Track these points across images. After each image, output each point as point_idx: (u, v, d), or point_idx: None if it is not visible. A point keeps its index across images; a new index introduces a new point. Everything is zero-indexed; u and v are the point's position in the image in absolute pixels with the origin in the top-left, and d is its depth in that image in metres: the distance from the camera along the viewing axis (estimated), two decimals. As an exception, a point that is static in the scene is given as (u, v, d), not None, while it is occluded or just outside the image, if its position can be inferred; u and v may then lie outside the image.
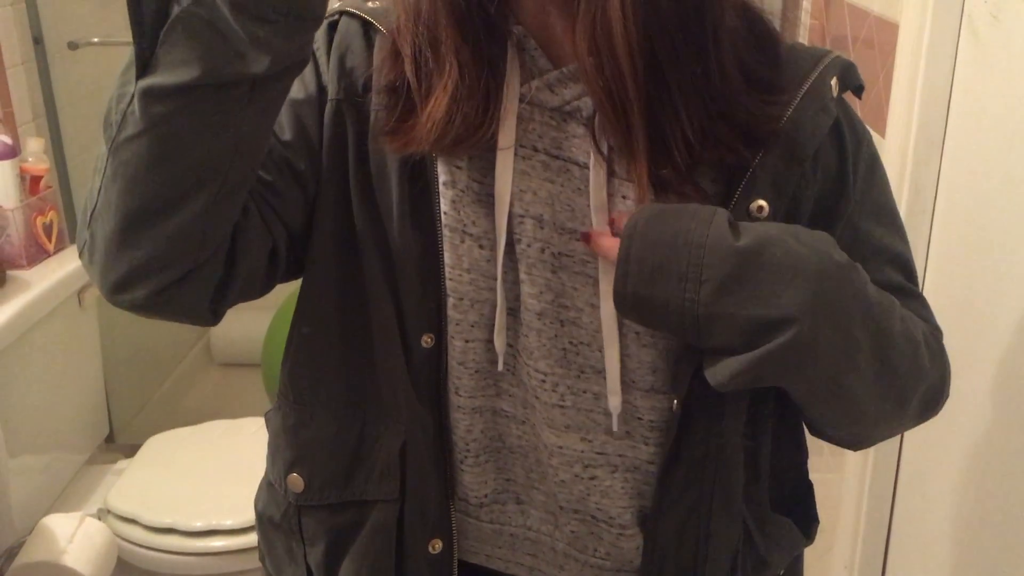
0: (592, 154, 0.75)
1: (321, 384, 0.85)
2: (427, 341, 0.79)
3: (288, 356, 0.87)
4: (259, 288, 0.79)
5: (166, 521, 1.76)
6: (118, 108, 0.65)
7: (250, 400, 2.57)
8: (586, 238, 0.75)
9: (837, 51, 0.79)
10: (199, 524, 1.75)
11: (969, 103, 1.31)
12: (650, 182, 0.72)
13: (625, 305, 0.72)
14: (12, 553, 1.63)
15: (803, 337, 0.67)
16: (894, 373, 0.75)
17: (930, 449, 1.41)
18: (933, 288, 1.37)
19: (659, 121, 0.71)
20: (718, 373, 0.71)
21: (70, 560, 1.56)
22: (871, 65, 1.58)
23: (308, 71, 0.79)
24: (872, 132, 0.84)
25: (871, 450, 1.53)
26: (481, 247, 0.77)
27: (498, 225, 0.76)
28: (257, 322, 2.44)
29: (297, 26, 0.63)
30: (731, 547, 0.81)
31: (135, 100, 0.63)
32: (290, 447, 0.87)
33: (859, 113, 0.83)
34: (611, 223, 0.75)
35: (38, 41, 2.09)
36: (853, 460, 1.58)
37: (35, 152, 1.90)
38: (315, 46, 0.80)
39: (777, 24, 0.78)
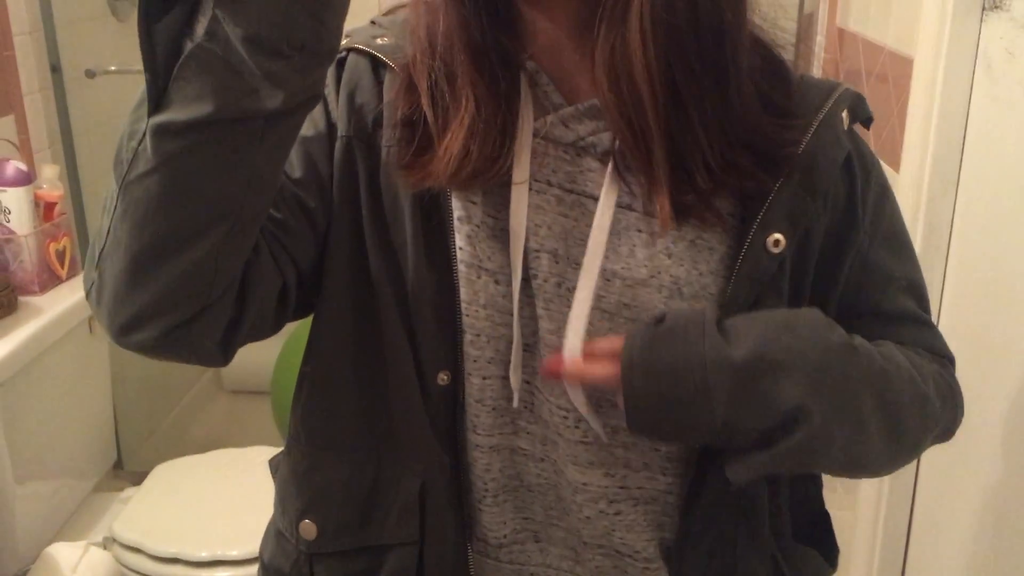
0: (604, 185, 0.74)
1: (335, 426, 0.83)
2: (443, 379, 0.78)
3: (299, 399, 0.86)
4: (269, 328, 0.78)
5: (171, 551, 1.75)
6: (129, 145, 0.64)
7: (259, 428, 2.57)
8: (549, 371, 0.74)
9: (849, 84, 0.80)
10: (204, 554, 1.74)
11: (984, 138, 1.31)
12: (672, 208, 0.72)
13: (643, 435, 0.74)
14: (16, 581, 1.62)
15: (816, 431, 0.70)
16: (904, 434, 0.76)
17: (944, 484, 1.38)
18: (949, 324, 1.36)
19: (680, 150, 0.72)
20: (739, 473, 0.72)
21: (73, 590, 1.55)
22: (885, 99, 1.58)
23: (317, 108, 0.79)
24: (886, 167, 0.85)
25: (885, 487, 1.51)
26: (497, 283, 0.77)
27: (513, 260, 0.76)
28: (267, 350, 2.42)
29: (311, 61, 0.63)
30: None
31: (147, 137, 0.63)
32: (302, 493, 0.85)
33: (873, 147, 0.83)
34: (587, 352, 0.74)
35: (55, 69, 2.11)
36: (866, 496, 1.56)
37: (50, 179, 1.91)
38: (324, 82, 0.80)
39: (790, 56, 0.79)
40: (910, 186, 1.41)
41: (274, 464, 0.92)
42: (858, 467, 0.77)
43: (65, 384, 1.84)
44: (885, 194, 0.82)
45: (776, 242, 0.74)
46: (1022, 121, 1.19)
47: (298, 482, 0.85)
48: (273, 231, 0.75)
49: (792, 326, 0.71)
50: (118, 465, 2.24)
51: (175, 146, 0.62)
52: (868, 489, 1.55)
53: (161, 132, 0.62)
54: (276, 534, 0.89)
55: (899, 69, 1.53)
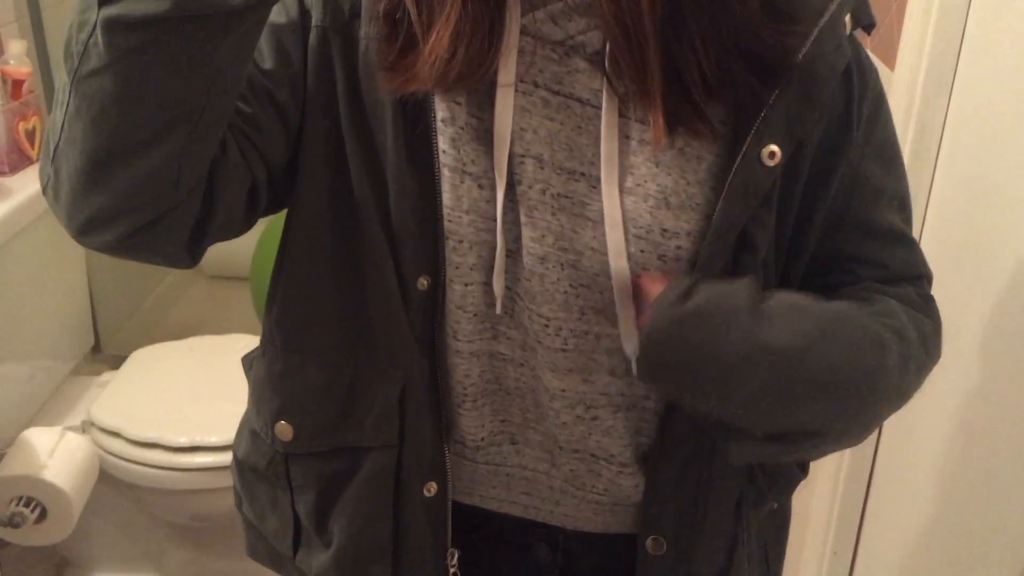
0: (604, 94, 0.71)
1: (311, 329, 0.82)
2: (423, 284, 0.76)
3: (274, 300, 0.83)
4: (238, 227, 0.76)
5: (150, 435, 1.76)
6: (79, 37, 0.60)
7: (239, 315, 2.56)
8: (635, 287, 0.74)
9: None
10: (183, 440, 1.75)
11: (983, 39, 1.27)
12: (663, 118, 0.69)
13: (647, 383, 0.77)
14: (-7, 464, 1.63)
15: (828, 446, 0.74)
16: (890, 396, 0.76)
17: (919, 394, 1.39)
18: (932, 230, 1.34)
19: (675, 55, 0.68)
20: (739, 457, 0.76)
21: (50, 475, 1.56)
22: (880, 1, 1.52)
23: None
24: (881, 65, 0.81)
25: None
26: (481, 187, 0.74)
27: (498, 165, 0.73)
28: (247, 235, 2.40)
29: None
30: (736, 487, 0.83)
31: (98, 30, 0.58)
32: (277, 395, 0.84)
33: (868, 45, 0.79)
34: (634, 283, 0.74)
35: (20, -62, 2.01)
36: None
37: (17, 55, 1.84)
38: None
39: None
40: (904, 85, 1.37)
41: (247, 362, 0.90)
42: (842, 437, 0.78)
43: (38, 267, 1.81)
44: (880, 105, 0.79)
45: (772, 154, 0.71)
46: (1022, 22, 1.15)
47: (273, 384, 0.84)
48: (241, 126, 0.72)
49: (832, 334, 0.71)
50: (96, 349, 2.23)
51: (129, 43, 0.58)
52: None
53: (113, 26, 0.57)
54: (251, 432, 0.89)
55: (900, -39, 1.47)
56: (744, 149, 0.71)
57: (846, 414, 0.73)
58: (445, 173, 0.74)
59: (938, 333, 0.82)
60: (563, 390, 0.78)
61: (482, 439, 0.82)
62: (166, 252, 0.70)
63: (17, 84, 1.82)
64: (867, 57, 0.78)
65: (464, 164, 0.73)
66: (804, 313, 0.71)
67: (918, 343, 0.77)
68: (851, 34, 0.74)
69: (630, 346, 0.75)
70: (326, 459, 0.84)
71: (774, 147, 0.71)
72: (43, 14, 2.08)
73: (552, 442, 0.82)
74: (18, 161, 1.82)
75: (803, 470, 0.89)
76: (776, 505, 0.89)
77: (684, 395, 0.73)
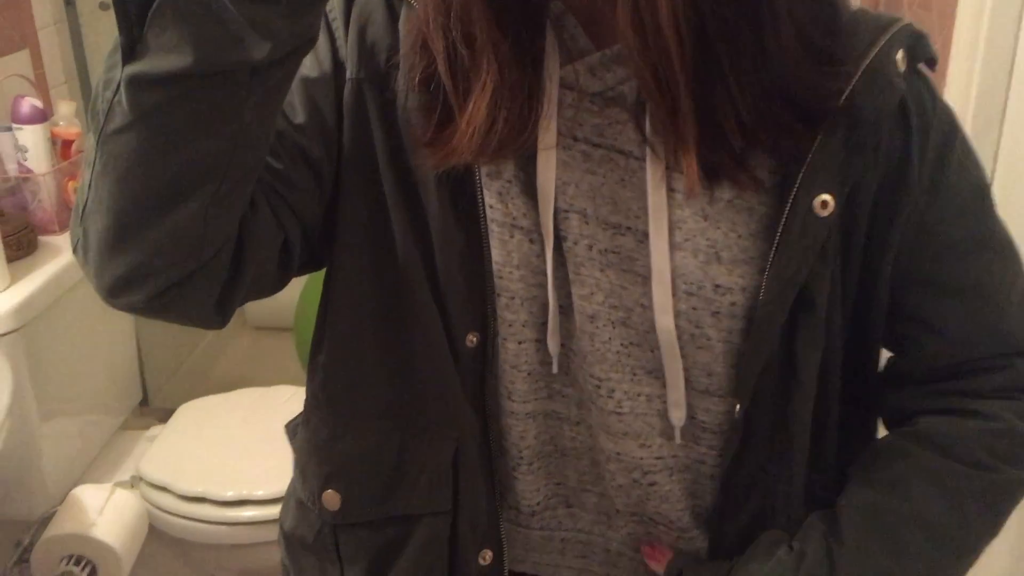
0: (648, 147, 0.68)
1: (358, 392, 0.79)
2: (472, 341, 0.73)
3: (317, 363, 0.81)
4: (271, 286, 0.74)
5: (197, 490, 1.76)
6: (104, 95, 0.59)
7: (283, 366, 2.57)
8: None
9: (910, 20, 0.70)
10: (230, 493, 1.75)
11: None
12: (701, 170, 0.66)
13: None
14: (45, 521, 1.64)
15: None
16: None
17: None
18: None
19: (710, 101, 0.64)
20: None
21: (100, 532, 1.56)
22: (928, 29, 1.51)
23: (322, 44, 0.73)
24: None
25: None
26: (532, 242, 0.71)
27: (544, 222, 0.70)
28: (291, 286, 2.41)
29: (301, 5, 0.57)
30: None
31: (122, 88, 0.57)
32: (324, 462, 0.81)
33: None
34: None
35: (69, 1, 2.06)
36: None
37: (66, 116, 1.88)
38: (331, 16, 0.74)
39: None
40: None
41: (291, 429, 0.87)
42: None
43: (88, 323, 1.83)
44: (950, 142, 0.71)
45: (824, 204, 0.67)
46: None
47: (319, 451, 0.81)
48: (272, 183, 0.70)
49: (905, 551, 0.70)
50: (144, 403, 2.25)
51: (152, 100, 0.57)
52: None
53: (136, 84, 0.56)
54: (297, 503, 0.85)
55: (944, -3, 1.45)
56: (792, 199, 0.67)
57: None
58: (493, 228, 0.71)
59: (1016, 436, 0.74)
60: (618, 453, 0.75)
61: (537, 503, 0.79)
62: (195, 312, 0.69)
63: (67, 144, 1.86)
64: (932, 93, 0.72)
65: (513, 218, 0.71)
66: (857, 554, 0.70)
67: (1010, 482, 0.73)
68: (910, 70, 0.69)
69: (677, 413, 0.73)
70: (376, 528, 0.80)
71: (826, 196, 0.67)
72: (91, 76, 2.13)
73: (609, 503, 0.79)
74: (67, 219, 1.85)
75: None
76: None
77: None
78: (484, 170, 0.71)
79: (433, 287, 0.73)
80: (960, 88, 1.34)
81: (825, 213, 0.67)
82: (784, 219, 0.67)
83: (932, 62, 0.72)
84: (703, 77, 0.63)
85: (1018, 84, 1.28)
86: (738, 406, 0.72)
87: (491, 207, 0.71)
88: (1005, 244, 0.75)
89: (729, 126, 0.65)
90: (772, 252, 0.68)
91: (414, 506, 0.78)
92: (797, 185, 0.67)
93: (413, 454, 0.78)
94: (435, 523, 0.78)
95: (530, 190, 0.71)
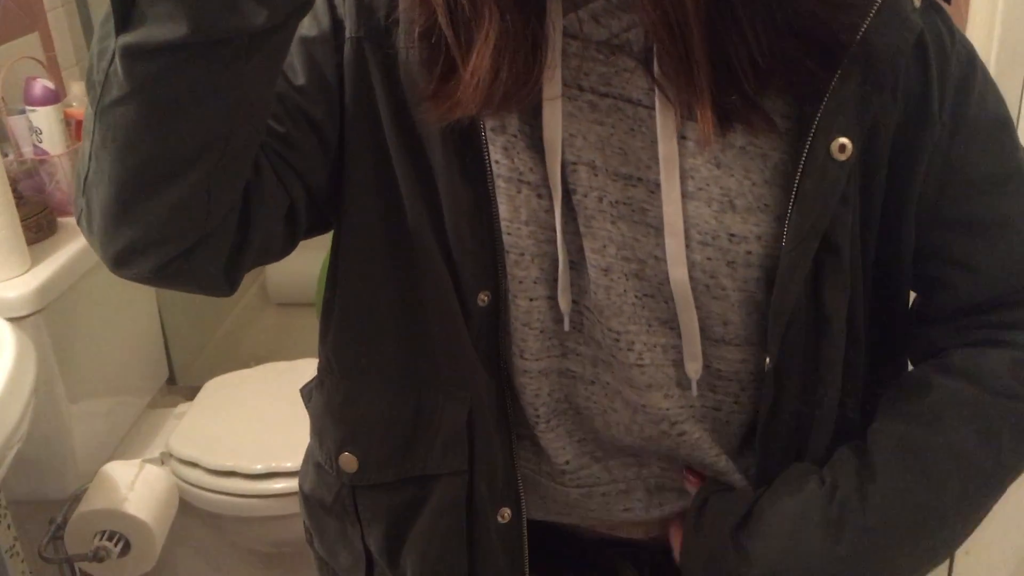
0: (657, 95, 0.66)
1: (370, 355, 0.78)
2: (483, 299, 0.72)
3: (328, 326, 0.80)
4: (278, 251, 0.73)
5: (227, 464, 1.77)
6: (99, 66, 0.58)
7: (307, 340, 2.56)
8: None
9: None
10: (259, 467, 1.76)
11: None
12: (714, 114, 0.64)
13: None
14: (76, 499, 1.65)
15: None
16: (989, 499, 0.72)
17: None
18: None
19: (722, 44, 0.63)
20: None
21: (131, 507, 1.58)
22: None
23: (320, 2, 0.71)
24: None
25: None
26: (540, 197, 0.70)
27: (551, 174, 0.69)
28: (311, 260, 2.41)
29: None
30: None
31: (116, 59, 0.56)
32: (339, 425, 0.81)
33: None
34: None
35: (76, -18, 2.06)
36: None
37: (79, 96, 1.88)
38: None
39: None
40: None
41: (306, 393, 0.87)
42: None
43: (111, 303, 1.84)
44: (970, 80, 0.70)
45: (842, 147, 0.65)
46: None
47: (334, 414, 0.81)
48: (275, 147, 0.69)
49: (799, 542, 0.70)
50: (171, 381, 2.26)
51: (148, 70, 0.55)
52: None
53: (131, 54, 0.55)
54: (315, 465, 0.86)
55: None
56: (809, 144, 0.65)
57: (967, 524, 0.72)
58: (500, 184, 0.70)
59: None
60: (644, 406, 0.74)
61: (566, 462, 0.78)
62: (203, 280, 0.68)
63: (78, 124, 1.86)
64: (950, 27, 0.70)
65: (520, 173, 0.70)
66: (889, 497, 0.70)
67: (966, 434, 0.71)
68: (926, 4, 0.67)
69: (693, 365, 0.72)
70: (394, 490, 0.80)
71: (843, 140, 0.65)
72: (102, 56, 2.12)
73: (639, 447, 0.78)
74: (86, 200, 1.85)
75: None
76: None
77: None
78: (489, 125, 0.70)
79: (442, 246, 0.72)
80: (984, 21, 1.30)
81: (843, 157, 0.65)
82: (802, 164, 0.66)
83: None
84: (715, 18, 0.62)
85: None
86: (768, 359, 0.70)
87: (497, 162, 0.70)
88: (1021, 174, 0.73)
89: (742, 68, 0.63)
90: (792, 200, 0.66)
91: (431, 466, 0.78)
92: (814, 129, 0.65)
93: (428, 415, 0.77)
94: (453, 483, 0.78)
95: (536, 143, 0.69)
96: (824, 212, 0.66)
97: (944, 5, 0.72)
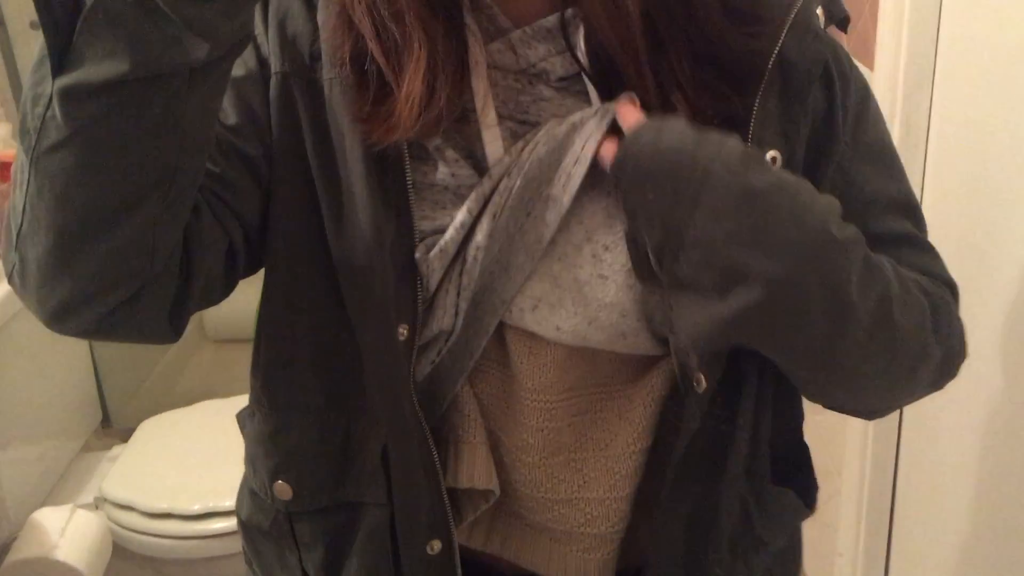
0: (597, 114, 0.68)
1: (296, 387, 0.78)
2: (402, 333, 0.72)
3: (258, 359, 0.80)
4: (220, 292, 0.73)
5: (163, 506, 1.74)
6: (34, 112, 0.57)
7: (246, 376, 2.54)
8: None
9: None
10: (197, 507, 1.73)
11: (959, 30, 1.26)
12: None
13: (625, 187, 0.66)
14: (5, 548, 1.61)
15: (786, 289, 0.62)
16: (901, 348, 0.68)
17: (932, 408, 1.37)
18: (929, 225, 1.33)
19: (654, 67, 0.66)
20: (693, 327, 0.65)
21: (62, 554, 1.54)
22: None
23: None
24: (860, 65, 0.79)
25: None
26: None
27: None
28: (249, 295, 2.39)
29: (237, 1, 0.55)
30: (729, 531, 0.77)
31: (54, 102, 0.55)
32: (271, 455, 0.80)
33: (845, 45, 0.77)
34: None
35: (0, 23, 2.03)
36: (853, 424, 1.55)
37: (3, 137, 1.86)
38: None
39: None
40: (885, 83, 1.36)
41: (241, 420, 0.87)
42: (835, 373, 0.68)
43: (40, 346, 1.80)
44: (866, 104, 0.75)
45: (773, 159, 0.68)
46: (998, 11, 1.14)
47: (266, 444, 0.81)
48: (212, 187, 0.69)
49: (810, 194, 0.64)
50: (105, 423, 2.22)
51: (89, 112, 0.55)
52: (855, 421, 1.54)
53: (70, 96, 0.54)
54: (251, 492, 0.85)
55: (870, -38, 1.47)
56: None
57: (804, 259, 0.62)
58: (423, 211, 0.71)
59: (951, 315, 0.74)
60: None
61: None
62: (148, 329, 0.67)
63: (4, 167, 1.83)
64: (845, 52, 0.75)
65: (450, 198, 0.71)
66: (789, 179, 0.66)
67: (920, 299, 0.70)
68: (826, 32, 0.72)
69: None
70: (330, 514, 0.80)
71: (773, 152, 0.68)
72: (27, 96, 2.10)
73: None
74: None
75: (807, 502, 0.82)
76: (780, 545, 0.83)
77: (658, 197, 0.63)
78: (415, 151, 0.71)
79: (362, 281, 0.73)
80: (889, 50, 1.35)
81: (775, 168, 0.68)
82: None
83: (844, 22, 0.74)
84: (650, 46, 0.66)
85: (945, 42, 1.30)
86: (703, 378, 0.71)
87: (424, 187, 0.71)
88: (916, 205, 0.78)
89: (671, 90, 0.66)
90: None
91: (358, 493, 0.78)
92: (748, 145, 0.67)
93: (356, 443, 0.77)
94: (376, 512, 0.78)
95: (471, 166, 0.71)
96: None
97: (842, 34, 0.76)
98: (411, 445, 0.75)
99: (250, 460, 0.85)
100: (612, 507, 0.77)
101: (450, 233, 0.70)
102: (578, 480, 0.77)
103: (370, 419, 0.77)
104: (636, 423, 0.75)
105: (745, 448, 0.75)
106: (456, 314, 0.73)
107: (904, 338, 0.68)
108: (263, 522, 0.84)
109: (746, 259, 0.62)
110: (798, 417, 0.83)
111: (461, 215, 0.70)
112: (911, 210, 0.77)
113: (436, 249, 0.71)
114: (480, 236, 0.70)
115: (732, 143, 0.64)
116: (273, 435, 0.80)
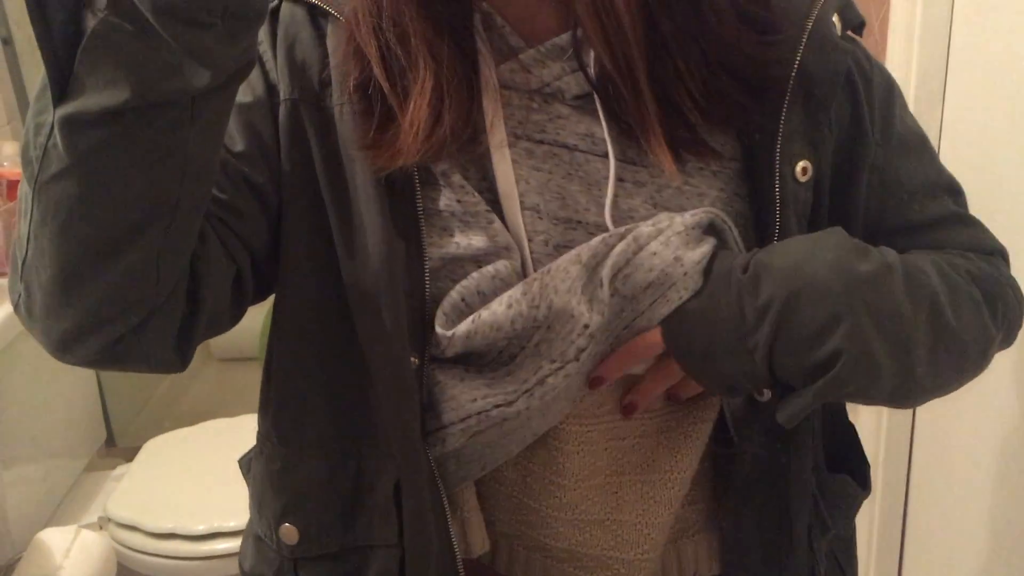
0: (607, 136, 0.68)
1: (307, 421, 0.75)
2: (414, 361, 0.70)
3: (268, 394, 0.78)
4: (227, 321, 0.71)
5: (167, 526, 1.72)
6: (36, 141, 0.56)
7: (251, 395, 2.53)
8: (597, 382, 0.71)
9: None
10: (201, 527, 1.72)
11: (970, 47, 1.25)
12: (667, 148, 0.67)
13: (693, 375, 0.70)
14: (9, 569, 1.60)
15: (856, 357, 0.65)
16: (958, 351, 0.70)
17: (940, 409, 1.35)
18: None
19: (662, 81, 0.66)
20: (788, 414, 0.68)
21: (67, 575, 1.52)
22: (865, 9, 1.52)
23: (253, 70, 0.70)
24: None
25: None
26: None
27: (512, 225, 0.69)
28: (254, 315, 2.38)
29: (239, 27, 0.53)
30: (803, 520, 0.77)
31: (55, 132, 0.54)
32: (279, 495, 0.77)
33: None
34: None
35: (7, 41, 2.04)
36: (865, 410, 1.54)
37: (10, 156, 1.85)
38: (257, 39, 0.71)
39: None
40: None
41: (245, 464, 0.85)
42: (917, 390, 0.69)
43: (46, 365, 1.79)
44: (891, 98, 0.76)
45: (804, 169, 0.69)
46: (1008, 28, 1.13)
47: (274, 483, 0.78)
48: (219, 214, 0.68)
49: (814, 253, 0.66)
50: (110, 442, 2.21)
51: (90, 140, 0.54)
52: (867, 423, 1.53)
53: (71, 125, 0.54)
54: (255, 540, 0.82)
55: (878, -23, 1.47)
56: (778, 172, 0.69)
57: (851, 320, 0.65)
58: (433, 237, 0.70)
59: (1003, 283, 0.75)
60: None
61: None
62: (154, 358, 0.66)
63: (13, 185, 1.83)
64: (867, 55, 0.75)
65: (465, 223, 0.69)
66: (793, 243, 0.69)
67: (950, 271, 0.72)
68: (844, 34, 0.72)
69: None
70: (336, 561, 0.77)
71: (804, 163, 0.70)
72: (34, 114, 2.10)
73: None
74: (17, 261, 1.82)
75: (863, 484, 0.83)
76: (843, 531, 0.84)
77: (718, 367, 0.68)
78: (424, 175, 0.70)
79: (372, 307, 0.70)
80: (900, 62, 1.35)
81: (805, 178, 0.70)
82: (777, 193, 0.69)
83: (860, 27, 0.75)
84: (654, 56, 0.65)
85: (956, 59, 1.29)
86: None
87: (434, 213, 0.70)
88: (952, 180, 0.79)
89: (683, 103, 0.66)
90: (776, 227, 0.69)
91: (369, 537, 0.75)
92: (778, 157, 0.69)
93: (367, 482, 0.75)
94: (387, 556, 0.75)
95: (482, 191, 0.70)
96: (799, 233, 0.70)
97: (857, 38, 0.76)
98: (422, 478, 0.72)
99: (256, 503, 0.81)
100: (644, 532, 0.75)
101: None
102: (612, 502, 0.75)
103: (382, 453, 0.74)
104: (677, 449, 0.75)
105: (808, 457, 0.76)
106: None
107: (964, 339, 0.70)
108: (267, 572, 0.80)
109: (811, 358, 0.65)
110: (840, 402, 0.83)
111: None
112: (949, 188, 0.78)
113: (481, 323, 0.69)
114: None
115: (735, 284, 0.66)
116: (280, 473, 0.78)
